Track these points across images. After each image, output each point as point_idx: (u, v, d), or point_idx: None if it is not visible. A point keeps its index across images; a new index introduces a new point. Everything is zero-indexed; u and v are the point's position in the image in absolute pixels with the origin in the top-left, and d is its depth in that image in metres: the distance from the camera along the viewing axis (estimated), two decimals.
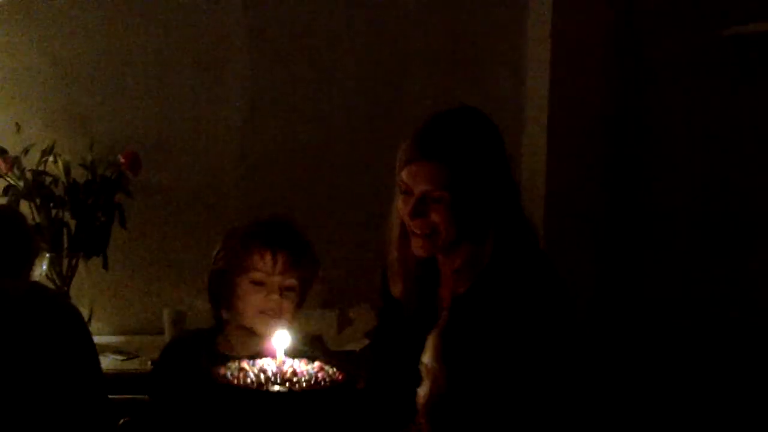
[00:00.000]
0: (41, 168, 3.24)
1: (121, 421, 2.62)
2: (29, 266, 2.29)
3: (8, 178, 3.18)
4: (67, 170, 3.26)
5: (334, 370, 1.65)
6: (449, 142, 1.88)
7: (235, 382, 1.55)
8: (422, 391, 1.66)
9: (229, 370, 1.61)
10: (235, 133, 3.58)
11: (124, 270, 3.50)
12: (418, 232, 1.91)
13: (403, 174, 1.91)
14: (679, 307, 3.35)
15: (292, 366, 1.64)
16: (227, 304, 2.25)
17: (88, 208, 3.24)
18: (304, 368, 1.65)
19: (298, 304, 2.25)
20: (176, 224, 3.56)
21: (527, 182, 3.57)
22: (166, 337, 3.42)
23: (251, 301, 2.18)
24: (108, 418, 2.45)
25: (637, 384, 3.29)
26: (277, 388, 1.55)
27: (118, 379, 2.96)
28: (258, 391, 1.53)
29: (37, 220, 3.19)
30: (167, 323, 3.42)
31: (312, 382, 1.58)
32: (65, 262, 3.27)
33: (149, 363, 3.22)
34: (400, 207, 1.94)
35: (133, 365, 3.22)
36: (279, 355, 1.66)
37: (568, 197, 3.43)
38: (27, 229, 2.32)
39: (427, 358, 1.80)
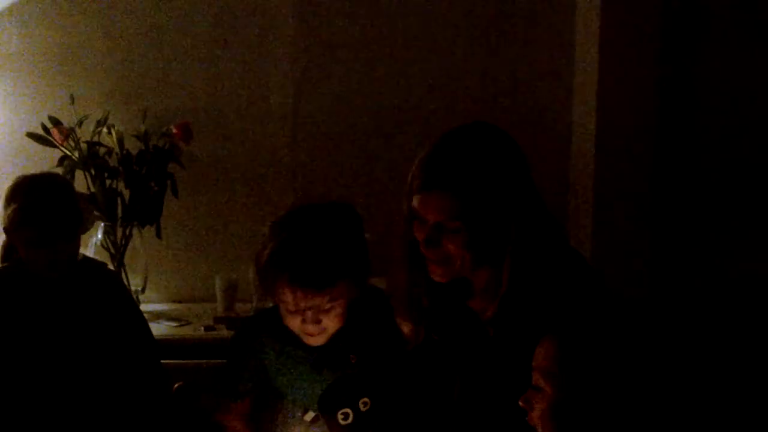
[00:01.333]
0: (95, 139, 3.30)
1: (176, 385, 2.68)
2: (78, 233, 2.34)
3: (63, 149, 3.25)
4: (120, 141, 3.32)
5: None
6: (460, 171, 1.78)
7: None
8: (541, 401, 1.60)
9: None
10: (285, 105, 3.59)
11: (176, 239, 3.55)
12: (433, 259, 1.84)
13: (414, 201, 1.82)
14: (738, 288, 3.32)
15: None
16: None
17: (142, 178, 3.30)
18: None
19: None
20: (227, 194, 3.60)
21: (577, 155, 3.56)
22: (218, 305, 3.48)
23: (291, 323, 2.04)
24: (163, 383, 2.50)
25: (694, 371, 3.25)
26: None
27: (172, 345, 3.03)
28: None
29: (92, 190, 3.26)
30: (219, 291, 3.47)
31: None
32: (119, 231, 3.34)
33: (202, 329, 3.30)
34: (415, 232, 1.85)
35: (186, 332, 3.28)
36: None
37: (619, 170, 3.40)
38: (73, 195, 2.37)
39: (544, 365, 1.66)
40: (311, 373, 2.10)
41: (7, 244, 2.37)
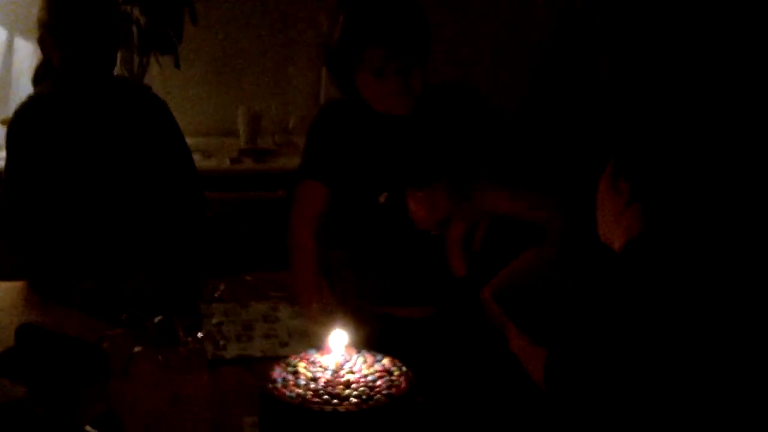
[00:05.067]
0: None
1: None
2: (113, 42, 2.19)
3: None
4: None
5: (400, 373, 1.46)
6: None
7: (282, 389, 1.41)
8: None
9: (283, 372, 1.47)
10: None
11: (196, 69, 3.42)
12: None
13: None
14: None
15: (351, 369, 1.48)
16: (349, 88, 2.02)
17: (158, 2, 3.13)
18: (365, 372, 1.47)
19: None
20: (248, 22, 3.44)
21: None
22: (241, 138, 3.37)
23: (375, 90, 1.96)
24: (202, 210, 2.40)
25: None
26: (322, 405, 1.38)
27: None
28: (299, 407, 1.37)
29: None
30: (242, 123, 3.36)
31: (364, 396, 1.40)
32: (136, 60, 3.19)
33: (228, 161, 3.20)
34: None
35: (211, 164, 3.19)
36: (336, 355, 1.50)
37: None
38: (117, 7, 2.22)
39: None
40: (391, 147, 2.01)
41: (41, 64, 2.23)
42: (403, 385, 1.44)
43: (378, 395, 1.41)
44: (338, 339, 1.51)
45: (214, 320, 1.98)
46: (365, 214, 2.04)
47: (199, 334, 1.90)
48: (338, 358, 1.51)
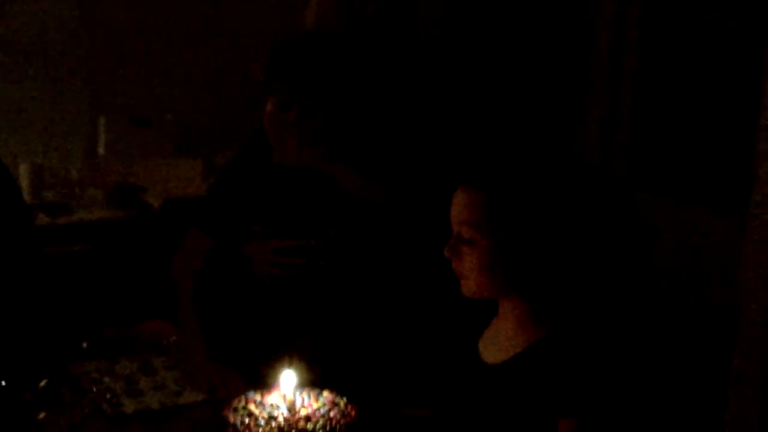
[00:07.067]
0: None
1: None
2: None
3: None
4: None
5: (345, 403, 1.57)
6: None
7: None
8: (472, 253, 1.56)
9: (239, 417, 1.52)
10: None
11: None
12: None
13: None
14: None
15: (303, 405, 1.56)
16: None
17: None
18: (315, 407, 1.56)
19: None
20: (21, 73, 3.34)
21: None
22: (25, 195, 3.24)
23: (275, 128, 2.04)
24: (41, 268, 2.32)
25: None
26: None
27: None
28: None
29: None
30: (25, 179, 3.24)
31: (328, 428, 1.50)
32: None
33: None
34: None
35: None
36: (287, 394, 1.57)
37: None
38: None
39: (475, 218, 1.66)
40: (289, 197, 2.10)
41: None
42: (353, 413, 1.56)
43: (338, 424, 1.52)
44: (288, 378, 1.59)
45: (94, 377, 1.96)
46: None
47: (91, 394, 1.88)
48: (287, 396, 1.58)
